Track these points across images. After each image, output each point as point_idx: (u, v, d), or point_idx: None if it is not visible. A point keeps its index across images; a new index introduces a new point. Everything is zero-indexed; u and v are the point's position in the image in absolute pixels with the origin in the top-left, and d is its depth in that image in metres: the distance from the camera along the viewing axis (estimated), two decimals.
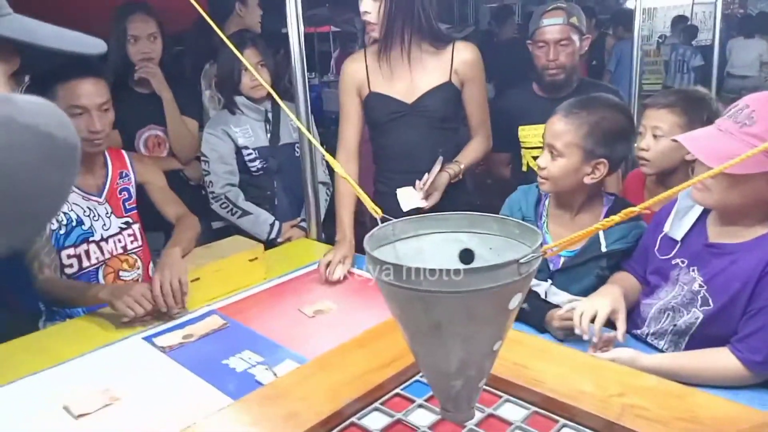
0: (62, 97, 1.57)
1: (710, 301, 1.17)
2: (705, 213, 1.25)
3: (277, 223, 2.12)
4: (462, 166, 1.79)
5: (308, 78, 2.01)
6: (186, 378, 1.23)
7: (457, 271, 0.76)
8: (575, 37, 1.98)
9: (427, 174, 1.70)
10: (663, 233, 1.31)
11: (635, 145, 1.56)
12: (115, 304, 1.43)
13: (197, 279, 1.56)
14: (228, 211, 2.10)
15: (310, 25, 5.87)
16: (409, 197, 1.74)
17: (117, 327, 1.45)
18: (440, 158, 1.75)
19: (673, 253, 1.28)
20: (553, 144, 1.41)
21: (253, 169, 2.14)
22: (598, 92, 2.00)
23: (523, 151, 2.16)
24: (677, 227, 1.28)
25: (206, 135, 2.13)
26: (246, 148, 2.11)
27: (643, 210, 0.67)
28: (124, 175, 1.77)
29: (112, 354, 1.35)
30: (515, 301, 0.81)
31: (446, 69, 1.77)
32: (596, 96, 1.50)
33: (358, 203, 1.77)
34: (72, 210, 1.65)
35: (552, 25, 1.97)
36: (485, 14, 9.38)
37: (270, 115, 2.15)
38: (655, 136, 1.50)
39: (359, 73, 1.81)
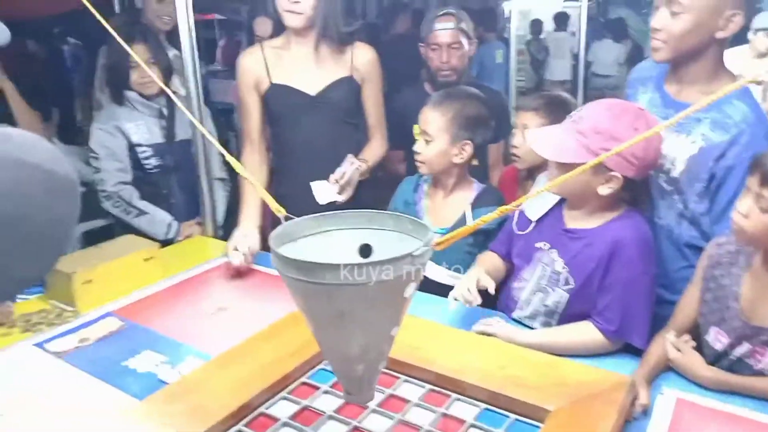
0: None
1: (571, 280, 1.33)
2: (562, 201, 1.41)
3: (174, 222, 2.08)
4: (369, 164, 1.88)
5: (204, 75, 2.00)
6: (86, 382, 1.21)
7: (358, 266, 0.83)
8: (464, 41, 2.12)
9: (339, 168, 1.77)
10: (516, 215, 1.49)
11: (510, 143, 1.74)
12: None
13: (89, 281, 1.52)
14: (122, 210, 2.03)
15: (196, 11, 5.68)
16: (324, 191, 1.79)
17: (2, 334, 1.39)
18: (350, 155, 1.82)
19: (529, 230, 1.43)
20: (425, 130, 1.62)
21: (148, 166, 2.08)
22: (483, 93, 2.18)
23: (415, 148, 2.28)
24: (531, 207, 1.45)
25: (95, 130, 2.04)
26: (140, 145, 2.05)
27: (515, 208, 0.78)
28: None
29: (2, 360, 1.29)
30: (410, 290, 0.90)
31: (347, 65, 1.85)
32: (459, 88, 1.75)
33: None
34: None
35: (444, 30, 2.10)
36: (372, 8, 9.52)
37: (165, 111, 2.10)
38: (525, 136, 1.67)
39: (257, 67, 1.83)
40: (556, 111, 1.56)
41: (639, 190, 1.33)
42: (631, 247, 1.26)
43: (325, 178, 1.80)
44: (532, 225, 1.44)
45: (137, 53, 1.92)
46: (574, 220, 1.37)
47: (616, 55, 6.91)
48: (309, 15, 1.74)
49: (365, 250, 1.06)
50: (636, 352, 1.27)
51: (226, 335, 1.35)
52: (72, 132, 3.35)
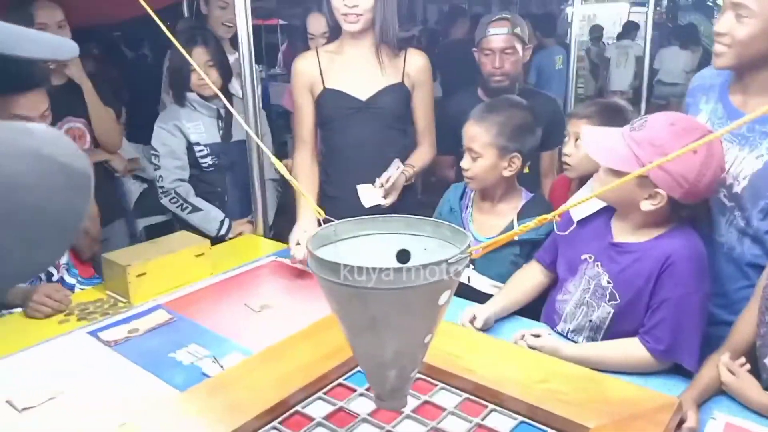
0: (2, 109, 1.54)
1: (617, 296, 1.29)
2: (610, 213, 1.36)
3: (227, 220, 2.14)
4: (415, 170, 1.87)
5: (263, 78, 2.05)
6: (132, 371, 1.26)
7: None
8: (518, 47, 2.09)
9: (385, 173, 1.77)
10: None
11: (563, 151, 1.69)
12: (25, 310, 1.48)
13: (143, 274, 1.58)
14: (178, 207, 2.10)
15: (258, 17, 5.84)
16: (369, 194, 1.80)
17: (60, 322, 1.46)
18: (397, 159, 1.82)
19: (570, 231, 1.38)
20: (471, 147, 1.58)
21: (204, 165, 2.15)
22: (538, 99, 2.15)
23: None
24: (577, 210, 1.40)
25: (157, 129, 2.12)
26: (198, 144, 2.12)
27: (555, 218, 0.75)
28: None
29: (56, 348, 1.36)
30: (444, 297, 0.89)
31: (399, 71, 1.85)
32: (501, 98, 1.71)
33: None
34: None
35: (497, 35, 2.08)
36: (434, 13, 9.53)
37: (223, 111, 2.16)
38: (576, 141, 1.62)
39: (312, 71, 1.85)
40: (611, 119, 1.51)
41: (695, 207, 1.27)
42: (682, 264, 1.21)
43: (373, 182, 1.80)
44: (573, 226, 1.39)
45: (197, 56, 2.00)
46: (622, 233, 1.32)
47: (685, 62, 6.62)
48: (367, 19, 1.75)
49: (403, 256, 1.06)
50: (685, 373, 1.22)
51: (268, 332, 1.38)
52: (140, 130, 3.51)
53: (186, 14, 4.83)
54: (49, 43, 0.56)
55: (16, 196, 0.38)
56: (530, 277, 1.51)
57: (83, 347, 1.36)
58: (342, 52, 1.85)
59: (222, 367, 1.25)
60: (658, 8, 8.11)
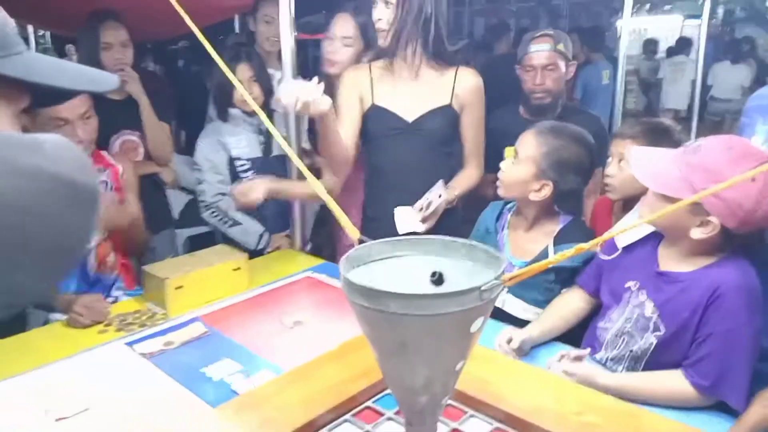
0: (42, 111, 1.60)
1: (662, 327, 1.23)
2: (656, 239, 1.31)
3: (266, 233, 2.15)
4: (457, 193, 1.81)
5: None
6: (166, 384, 1.27)
7: (423, 296, 0.81)
8: (561, 63, 2.06)
9: (426, 196, 1.71)
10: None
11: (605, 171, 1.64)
12: (69, 319, 1.52)
13: (181, 287, 1.60)
14: (219, 220, 2.13)
15: (305, 32, 5.92)
16: (406, 219, 1.74)
17: (100, 331, 1.49)
18: (441, 181, 1.76)
19: (615, 257, 1.35)
20: (518, 151, 1.55)
21: (245, 179, 2.16)
22: (581, 118, 2.10)
23: None
24: (623, 236, 1.35)
25: (200, 144, 2.16)
26: (239, 158, 2.15)
27: (593, 247, 0.72)
28: (102, 171, 1.81)
29: (94, 358, 1.38)
30: (477, 324, 0.86)
31: (448, 91, 1.79)
32: (568, 126, 1.62)
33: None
34: None
35: (539, 51, 2.05)
36: (480, 26, 9.50)
37: (263, 126, 2.19)
38: (620, 162, 1.57)
39: (363, 84, 1.82)
40: (658, 140, 1.45)
41: (748, 236, 1.20)
42: (732, 296, 1.14)
43: (414, 197, 1.75)
44: (619, 252, 1.34)
45: (241, 72, 2.03)
46: (669, 262, 1.26)
47: (741, 77, 6.39)
48: (389, 30, 1.71)
49: (437, 278, 1.03)
50: (731, 410, 1.15)
51: (300, 349, 1.38)
52: (188, 144, 3.60)
53: (237, 30, 4.96)
54: (91, 77, 0.62)
55: (8, 219, 0.38)
56: (570, 303, 1.47)
57: (120, 358, 1.38)
58: (393, 69, 1.80)
59: (252, 384, 1.25)
60: (713, 20, 7.88)
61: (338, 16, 2.01)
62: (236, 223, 2.13)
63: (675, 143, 1.48)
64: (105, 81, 0.64)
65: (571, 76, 2.16)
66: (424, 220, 1.72)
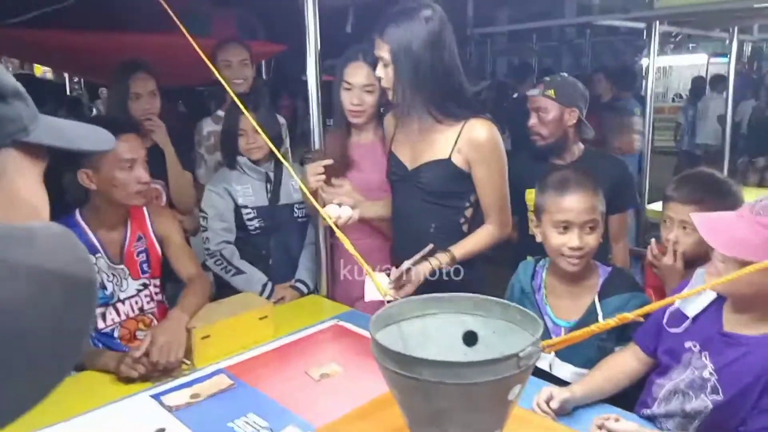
0: (110, 153, 1.63)
1: (720, 391, 1.17)
2: (721, 299, 1.25)
3: (269, 283, 2.11)
4: (452, 257, 1.68)
5: (327, 125, 2.06)
6: None
7: (459, 365, 0.78)
8: (552, 108, 2.10)
9: (407, 262, 1.57)
10: (675, 306, 1.32)
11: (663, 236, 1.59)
12: (119, 371, 1.48)
13: (207, 336, 1.59)
14: (222, 269, 2.09)
15: (330, 74, 6.04)
16: (373, 287, 1.51)
17: (126, 383, 1.48)
18: (430, 246, 1.62)
19: (683, 329, 1.28)
20: (590, 219, 1.47)
21: (251, 227, 2.15)
22: (604, 162, 2.08)
23: (529, 213, 2.20)
24: (690, 302, 1.29)
25: (207, 192, 2.15)
26: (245, 207, 2.13)
27: (637, 317, 0.69)
28: (140, 237, 1.82)
29: (120, 411, 1.37)
30: (515, 392, 0.83)
31: (449, 145, 1.70)
32: (576, 170, 1.59)
33: None
34: (97, 274, 1.70)
35: (531, 95, 2.18)
36: (502, 66, 9.57)
37: (271, 175, 2.18)
38: (684, 229, 1.51)
39: (390, 130, 1.88)
40: (722, 203, 1.39)
41: None
42: None
43: (411, 251, 1.60)
44: (688, 322, 1.28)
45: (246, 121, 2.03)
46: (735, 324, 1.20)
47: None
48: (391, 88, 1.68)
49: (470, 338, 1.00)
50: None
51: (328, 404, 1.35)
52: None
53: (263, 73, 5.08)
54: (94, 139, 0.67)
55: (6, 324, 0.36)
56: (623, 364, 1.38)
57: (145, 411, 1.36)
58: (403, 121, 1.79)
59: None
60: (741, 60, 7.82)
61: (351, 66, 1.94)
62: (240, 272, 2.09)
63: (740, 202, 1.44)
64: (107, 139, 0.69)
65: (574, 122, 2.13)
66: (396, 287, 1.53)
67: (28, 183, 0.58)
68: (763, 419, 1.10)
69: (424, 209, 1.76)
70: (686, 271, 1.51)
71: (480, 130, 1.69)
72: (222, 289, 2.11)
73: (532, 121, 2.13)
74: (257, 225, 2.15)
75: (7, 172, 0.55)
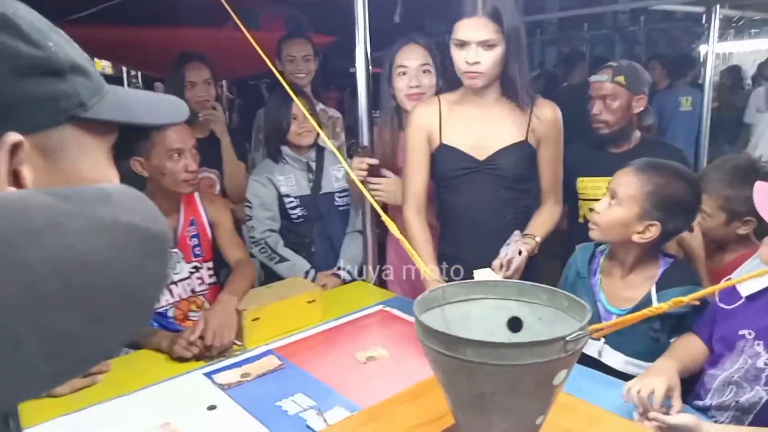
0: (159, 142, 1.71)
1: None
2: None
3: (312, 270, 2.16)
4: (537, 239, 1.67)
5: (374, 117, 2.07)
6: (242, 417, 1.29)
7: (504, 346, 0.79)
8: (621, 95, 2.02)
9: (503, 251, 1.57)
10: (728, 279, 1.28)
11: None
12: (172, 351, 1.54)
13: (257, 318, 1.64)
14: (267, 257, 2.15)
15: (378, 66, 6.05)
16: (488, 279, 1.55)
17: (180, 361, 1.54)
18: (517, 232, 1.63)
19: (739, 314, 1.25)
20: (615, 191, 1.45)
21: (293, 216, 2.19)
22: (661, 150, 2.01)
23: (580, 202, 2.16)
24: (748, 282, 1.24)
25: (251, 181, 2.20)
26: (288, 196, 2.18)
27: (692, 300, 0.68)
28: (192, 222, 1.89)
29: (174, 388, 1.43)
30: (560, 377, 0.82)
31: (524, 127, 1.70)
32: (672, 164, 1.53)
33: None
34: None
35: (597, 82, 2.07)
36: (551, 56, 9.36)
37: (312, 164, 2.22)
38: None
39: (432, 122, 1.74)
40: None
41: None
42: None
43: (489, 244, 1.61)
44: (741, 301, 1.24)
45: (297, 107, 2.07)
46: None
47: None
48: (490, 75, 1.62)
49: (515, 324, 1.00)
50: None
51: (373, 387, 1.37)
52: None
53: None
54: (163, 106, 0.65)
55: (90, 275, 0.38)
56: (695, 346, 1.35)
57: (199, 388, 1.42)
58: (463, 102, 1.72)
59: (326, 421, 1.25)
60: None
61: (405, 48, 1.94)
62: (284, 259, 2.14)
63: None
64: (180, 111, 0.67)
65: (641, 109, 2.08)
66: (508, 278, 1.56)
67: (92, 161, 0.56)
68: None
69: (501, 198, 1.71)
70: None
71: (549, 110, 1.72)
72: (269, 278, 2.18)
73: (597, 108, 2.04)
74: (300, 213, 2.20)
75: (66, 151, 0.53)
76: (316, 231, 2.23)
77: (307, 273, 2.15)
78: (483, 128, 1.70)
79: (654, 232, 1.41)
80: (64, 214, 0.39)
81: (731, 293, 1.28)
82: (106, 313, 0.39)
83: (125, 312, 0.41)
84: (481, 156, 1.70)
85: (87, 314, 0.38)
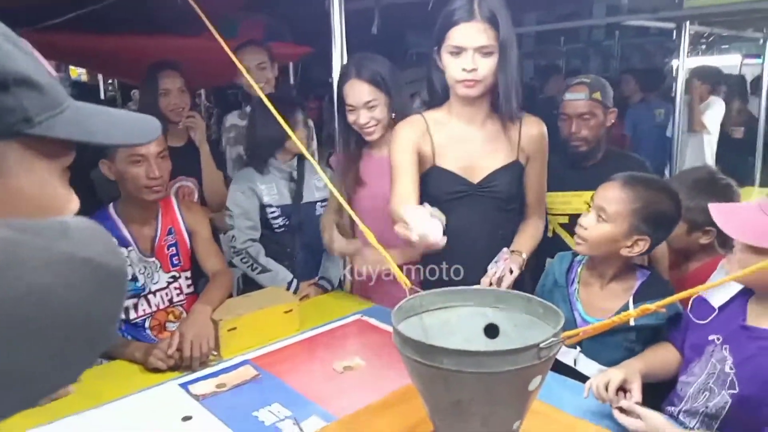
0: (122, 148, 1.69)
1: (737, 385, 1.16)
2: (748, 292, 1.25)
3: (294, 281, 2.14)
4: (525, 257, 1.62)
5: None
6: (217, 428, 1.27)
7: (479, 354, 0.79)
8: (598, 112, 2.03)
9: (493, 268, 1.54)
10: (700, 297, 1.32)
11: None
12: (147, 362, 1.52)
13: (234, 329, 1.62)
14: (248, 267, 2.13)
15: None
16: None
17: (154, 372, 1.52)
18: (505, 250, 1.59)
19: (709, 321, 1.28)
20: (604, 207, 1.46)
21: (275, 226, 2.17)
22: (626, 162, 2.05)
23: (549, 217, 2.18)
24: (716, 293, 1.29)
25: (232, 190, 2.18)
26: (270, 205, 2.16)
27: (659, 308, 0.69)
28: (170, 231, 1.87)
29: (148, 398, 1.41)
30: (535, 383, 0.83)
31: (514, 146, 1.65)
32: (655, 177, 1.57)
33: None
34: (130, 266, 1.75)
35: (574, 101, 2.03)
36: (528, 69, 9.49)
37: (294, 174, 2.20)
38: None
39: (420, 139, 1.63)
40: (719, 199, 1.40)
41: None
42: None
43: (477, 266, 1.57)
44: (714, 314, 1.28)
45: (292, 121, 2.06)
46: (758, 317, 1.20)
47: None
48: (486, 84, 1.55)
49: (491, 331, 1.01)
50: None
51: (350, 396, 1.36)
52: None
53: (291, 76, 5.13)
54: (130, 126, 0.61)
55: (47, 311, 0.37)
56: (667, 352, 1.38)
57: (174, 399, 1.40)
58: (451, 120, 1.65)
59: (302, 431, 1.24)
60: None
61: (348, 87, 1.83)
62: (265, 269, 2.13)
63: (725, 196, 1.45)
64: (148, 130, 0.63)
65: (612, 123, 2.12)
66: None
67: (39, 180, 0.53)
68: None
69: (494, 219, 1.67)
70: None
71: (536, 126, 1.68)
72: (249, 287, 2.16)
73: (576, 126, 2.01)
74: (281, 223, 2.18)
75: (9, 168, 0.50)
76: (297, 241, 2.21)
77: (289, 283, 2.13)
78: (476, 149, 1.64)
79: (642, 246, 1.44)
80: (22, 247, 0.38)
81: (703, 307, 1.31)
82: (61, 349, 0.39)
83: (80, 347, 0.40)
84: (475, 179, 1.65)
85: (42, 351, 0.38)
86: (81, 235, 0.43)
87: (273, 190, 2.17)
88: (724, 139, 4.59)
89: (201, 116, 2.45)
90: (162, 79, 2.32)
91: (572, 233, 1.97)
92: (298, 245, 2.21)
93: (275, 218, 2.18)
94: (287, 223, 2.19)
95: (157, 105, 2.31)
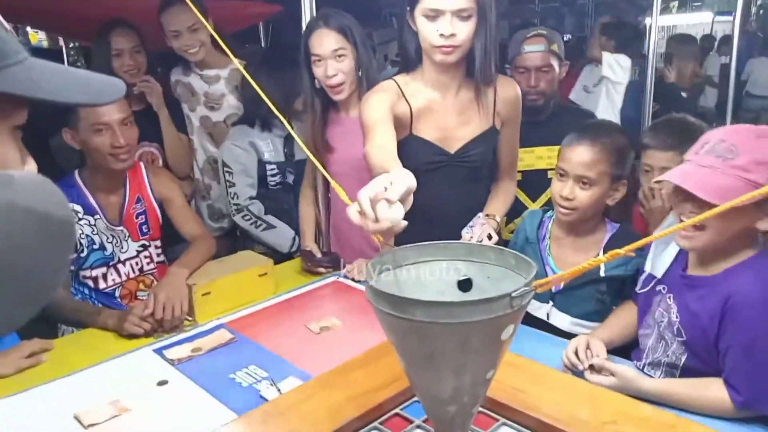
0: (84, 117, 1.63)
1: (684, 333, 1.19)
2: None
3: (297, 237, 2.13)
4: (498, 219, 1.62)
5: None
6: (193, 391, 1.27)
7: (451, 304, 0.79)
8: (555, 64, 1.99)
9: (467, 233, 1.52)
10: (645, 273, 1.35)
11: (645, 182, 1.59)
12: (122, 329, 1.50)
13: (208, 293, 1.61)
14: (251, 224, 2.12)
15: None
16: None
17: (129, 338, 1.50)
18: (480, 215, 1.58)
19: (651, 287, 1.32)
20: (584, 174, 1.43)
21: (271, 183, 2.16)
22: (575, 114, 2.04)
23: None
24: (658, 264, 1.31)
25: (230, 146, 2.12)
26: (269, 162, 2.14)
27: (627, 252, 0.69)
28: (138, 199, 1.82)
29: (123, 365, 1.39)
30: (508, 332, 0.83)
31: (489, 111, 1.61)
32: (603, 121, 1.56)
33: None
34: (96, 235, 1.71)
35: (533, 52, 1.97)
36: (503, 29, 9.41)
37: (285, 131, 2.17)
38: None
39: (396, 104, 1.55)
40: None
41: None
42: (750, 305, 1.08)
43: (452, 234, 1.54)
44: (653, 283, 1.30)
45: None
46: (698, 266, 1.21)
47: None
48: (464, 49, 1.48)
49: (464, 284, 1.01)
50: None
51: (327, 355, 1.37)
52: None
53: (261, 37, 4.99)
54: (97, 88, 0.59)
55: None
56: (629, 313, 1.40)
57: (149, 365, 1.39)
58: (426, 88, 1.58)
59: (279, 390, 1.24)
60: (751, 18, 7.68)
61: (315, 35, 1.74)
62: (270, 226, 2.11)
63: None
64: (110, 91, 0.60)
65: (564, 76, 2.09)
66: None
67: None
68: (727, 362, 1.11)
69: (469, 188, 1.65)
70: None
71: (511, 88, 1.64)
72: (249, 244, 2.14)
73: (535, 79, 1.94)
74: (278, 180, 2.16)
75: None
76: (292, 198, 2.18)
77: (293, 239, 2.12)
78: (452, 119, 1.59)
79: (623, 189, 1.47)
80: None
81: (649, 278, 1.33)
82: (3, 293, 0.37)
83: (19, 297, 0.39)
84: (452, 149, 1.62)
85: None
86: (25, 187, 0.41)
87: (270, 147, 2.14)
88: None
89: (159, 79, 2.32)
90: (114, 39, 2.18)
91: (525, 190, 1.99)
92: (292, 202, 2.19)
93: (273, 176, 2.15)
94: (282, 180, 2.17)
95: (109, 66, 2.18)
